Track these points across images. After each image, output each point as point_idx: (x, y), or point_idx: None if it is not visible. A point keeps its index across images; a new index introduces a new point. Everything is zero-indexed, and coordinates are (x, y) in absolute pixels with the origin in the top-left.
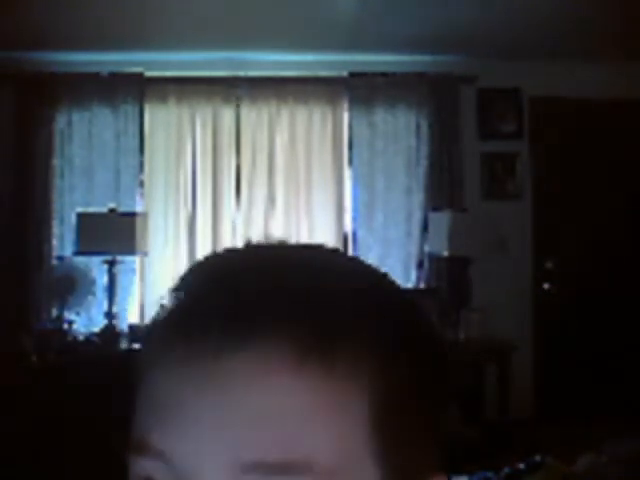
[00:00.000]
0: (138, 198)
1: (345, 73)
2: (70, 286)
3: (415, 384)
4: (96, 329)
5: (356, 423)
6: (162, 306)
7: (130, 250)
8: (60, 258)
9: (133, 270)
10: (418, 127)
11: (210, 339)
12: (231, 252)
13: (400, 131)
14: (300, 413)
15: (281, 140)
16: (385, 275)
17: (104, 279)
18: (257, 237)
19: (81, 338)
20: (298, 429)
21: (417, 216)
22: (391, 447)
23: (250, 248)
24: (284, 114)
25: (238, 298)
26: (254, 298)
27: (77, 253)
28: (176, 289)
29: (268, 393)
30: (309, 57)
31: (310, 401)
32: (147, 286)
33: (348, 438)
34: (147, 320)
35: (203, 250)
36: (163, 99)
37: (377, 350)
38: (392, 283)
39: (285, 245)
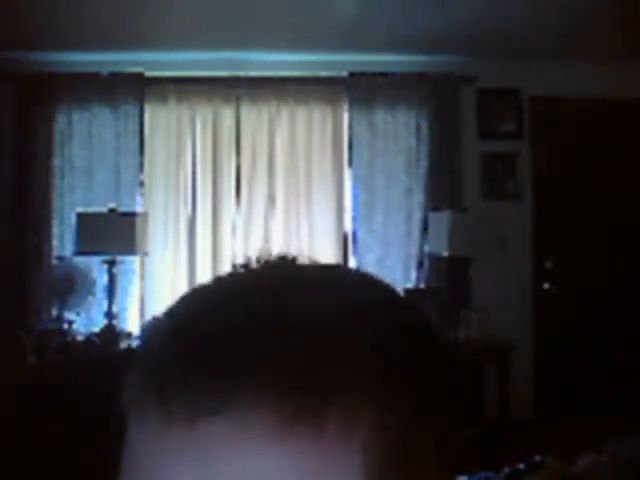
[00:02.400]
0: (138, 198)
1: (345, 73)
2: (70, 286)
3: (416, 424)
4: (96, 329)
5: None
6: (148, 333)
7: (130, 250)
8: (60, 258)
9: (133, 270)
10: (418, 127)
11: (185, 402)
12: (222, 283)
13: (400, 131)
14: None
15: (281, 140)
16: (390, 295)
17: (104, 279)
18: (254, 248)
19: (81, 338)
20: None
21: (417, 216)
22: None
23: (237, 278)
24: (284, 114)
25: (217, 351)
26: (235, 351)
27: (77, 253)
28: (159, 324)
29: (248, 461)
30: (309, 57)
31: (296, 468)
32: (147, 286)
33: None
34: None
35: (203, 250)
36: (163, 99)
37: (373, 399)
38: (399, 306)
39: (278, 269)
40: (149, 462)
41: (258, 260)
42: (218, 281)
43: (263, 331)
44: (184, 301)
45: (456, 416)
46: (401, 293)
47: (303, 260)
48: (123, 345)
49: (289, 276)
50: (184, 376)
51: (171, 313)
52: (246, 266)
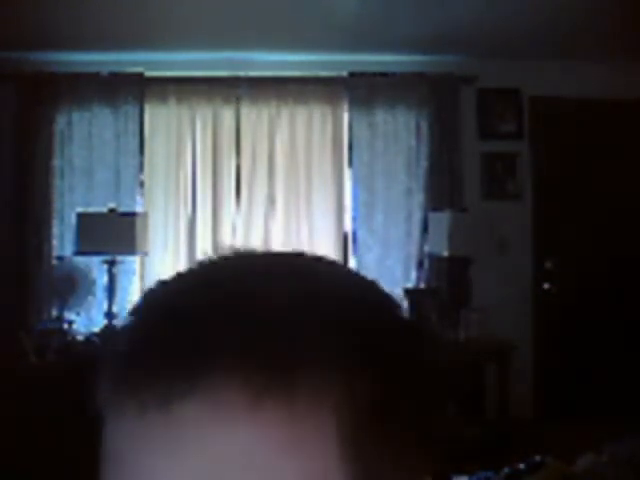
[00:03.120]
0: (138, 198)
1: (345, 73)
2: (70, 286)
3: (390, 394)
4: (96, 329)
5: (324, 452)
6: (116, 333)
7: (130, 250)
8: (60, 258)
9: (133, 270)
10: (418, 127)
11: (157, 388)
12: (183, 276)
13: (400, 131)
14: (259, 457)
15: (281, 140)
16: (359, 279)
17: (104, 279)
18: (229, 243)
19: (81, 338)
20: (259, 475)
21: (417, 216)
22: (367, 463)
23: (205, 267)
24: (284, 114)
25: (183, 335)
26: (201, 334)
27: (77, 253)
28: (125, 321)
29: (221, 439)
30: (309, 57)
31: (269, 442)
32: (147, 286)
33: (317, 469)
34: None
35: (203, 250)
36: (163, 99)
37: (341, 368)
38: (363, 287)
39: (248, 257)
40: (128, 453)
41: (219, 254)
42: (178, 275)
43: (228, 313)
44: (145, 297)
45: (437, 393)
46: (401, 293)
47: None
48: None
49: (251, 264)
50: (153, 364)
51: (134, 310)
52: (207, 260)
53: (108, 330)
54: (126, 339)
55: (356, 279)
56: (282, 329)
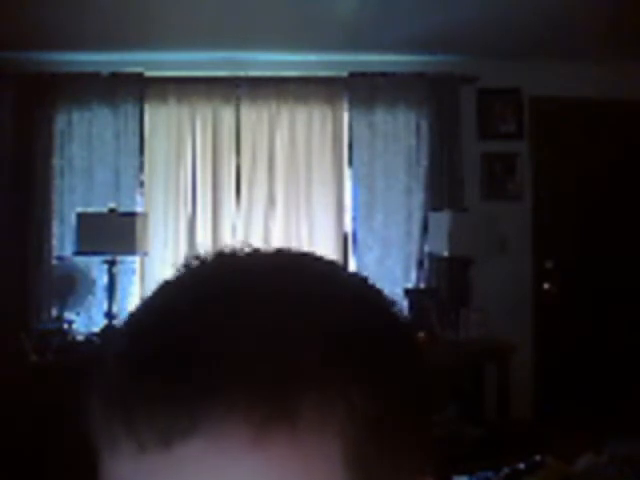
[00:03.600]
0: (138, 198)
1: (345, 73)
2: (70, 286)
3: (390, 406)
4: (96, 329)
5: (328, 474)
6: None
7: (130, 250)
8: (60, 258)
9: (133, 270)
10: (418, 127)
11: (156, 427)
12: (166, 292)
13: (400, 131)
14: None
15: (281, 140)
16: (356, 284)
17: (104, 279)
18: (224, 244)
19: (81, 338)
20: None
21: (417, 216)
22: (371, 475)
23: (199, 276)
24: (284, 114)
25: (181, 369)
26: (202, 364)
27: (77, 253)
28: (111, 349)
29: (227, 474)
30: (309, 57)
31: (275, 471)
32: (147, 286)
33: None
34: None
35: (203, 250)
36: (163, 99)
37: (341, 389)
38: (361, 293)
39: (246, 263)
40: None
41: (200, 259)
42: (167, 288)
43: (225, 337)
44: (136, 316)
45: (427, 401)
46: (401, 293)
47: (244, 251)
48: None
49: (240, 278)
50: (151, 400)
51: (125, 330)
52: (189, 266)
53: (108, 330)
54: (117, 366)
55: (353, 284)
56: (282, 352)
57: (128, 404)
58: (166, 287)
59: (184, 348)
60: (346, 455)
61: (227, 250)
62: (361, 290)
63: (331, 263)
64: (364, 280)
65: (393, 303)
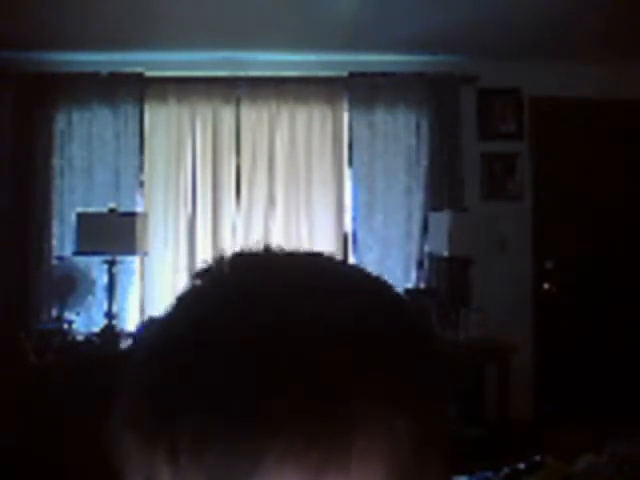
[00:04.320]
0: (138, 198)
1: (345, 73)
2: (70, 286)
3: (425, 432)
4: (96, 329)
5: None
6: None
7: (130, 250)
8: (60, 258)
9: (133, 270)
10: (418, 127)
11: (205, 472)
12: (197, 311)
13: (400, 131)
14: None
15: (281, 140)
16: (377, 294)
17: (104, 279)
18: (248, 247)
19: (81, 338)
20: None
21: (417, 216)
22: None
23: (222, 292)
24: (284, 114)
25: (231, 407)
26: (248, 402)
27: (77, 253)
28: (142, 371)
29: None
30: (309, 57)
31: None
32: (147, 286)
33: None
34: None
35: (203, 250)
36: (163, 99)
37: (392, 423)
38: (388, 306)
39: (264, 275)
40: None
41: (233, 264)
42: (199, 301)
43: (272, 376)
44: (168, 335)
45: (448, 410)
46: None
47: (279, 255)
48: (123, 345)
49: (279, 292)
50: (198, 449)
51: (157, 351)
52: (221, 271)
53: (108, 330)
54: (153, 393)
55: (381, 299)
56: (331, 385)
57: (172, 442)
58: (199, 299)
59: (231, 380)
60: (390, 477)
61: (259, 259)
62: (392, 308)
63: (366, 274)
64: (390, 292)
65: (420, 313)
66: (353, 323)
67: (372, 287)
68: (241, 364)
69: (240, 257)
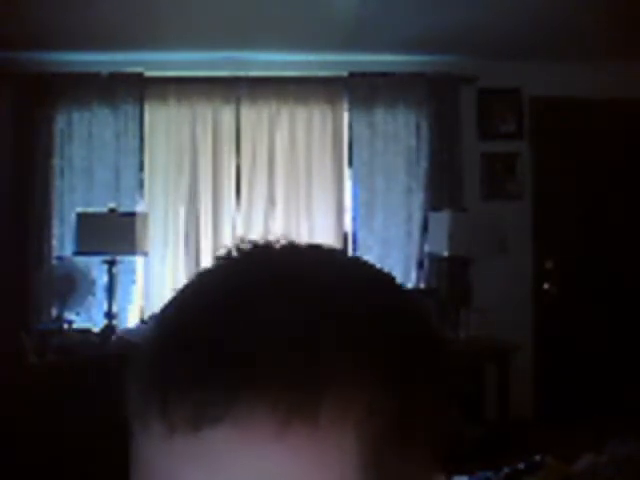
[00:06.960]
0: (138, 198)
1: (345, 73)
2: (70, 286)
3: (404, 406)
4: (96, 329)
5: (345, 472)
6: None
7: (130, 250)
8: (60, 258)
9: (133, 270)
10: (418, 127)
11: (188, 411)
12: (205, 282)
13: (400, 131)
14: (287, 478)
15: (281, 140)
16: (380, 279)
17: (104, 279)
18: (244, 240)
19: (81, 338)
20: None
21: (417, 216)
22: (386, 471)
23: (225, 274)
24: (284, 114)
25: (215, 359)
26: (231, 355)
27: (77, 253)
28: (151, 334)
29: (249, 462)
30: (309, 57)
31: (295, 463)
32: (147, 286)
33: None
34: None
35: (203, 250)
36: (163, 99)
37: (363, 387)
38: (387, 290)
39: (270, 260)
40: (155, 467)
41: (239, 250)
42: (206, 277)
43: (255, 334)
44: (174, 305)
45: (444, 400)
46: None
47: (281, 245)
48: (122, 345)
49: (273, 271)
50: (185, 387)
51: (163, 318)
52: (229, 258)
53: (108, 330)
54: (157, 351)
55: (382, 283)
56: (311, 348)
57: (162, 387)
58: (203, 279)
59: (220, 339)
60: (362, 452)
61: (266, 244)
62: (392, 292)
63: (364, 262)
64: (393, 280)
65: (423, 306)
66: (355, 301)
67: (379, 276)
68: (237, 322)
69: (259, 244)
